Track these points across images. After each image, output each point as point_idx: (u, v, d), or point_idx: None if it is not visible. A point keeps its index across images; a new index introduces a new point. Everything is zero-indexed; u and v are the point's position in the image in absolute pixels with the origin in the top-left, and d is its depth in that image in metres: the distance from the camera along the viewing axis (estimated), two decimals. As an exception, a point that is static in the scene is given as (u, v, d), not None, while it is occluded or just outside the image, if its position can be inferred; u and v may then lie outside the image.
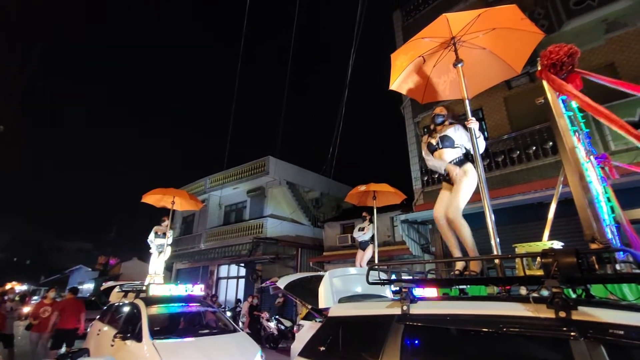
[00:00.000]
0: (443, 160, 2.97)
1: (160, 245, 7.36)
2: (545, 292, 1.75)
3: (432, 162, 3.09)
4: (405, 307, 1.96)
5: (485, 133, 8.17)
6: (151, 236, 7.50)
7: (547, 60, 2.15)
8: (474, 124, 2.69)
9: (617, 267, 1.69)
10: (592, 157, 2.32)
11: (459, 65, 2.77)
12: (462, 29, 2.72)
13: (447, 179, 2.98)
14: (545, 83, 2.17)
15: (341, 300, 2.72)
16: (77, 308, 7.05)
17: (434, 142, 3.06)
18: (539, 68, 2.28)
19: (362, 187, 6.42)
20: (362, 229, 7.05)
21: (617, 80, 2.08)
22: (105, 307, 6.82)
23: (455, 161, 2.91)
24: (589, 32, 6.95)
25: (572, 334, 1.36)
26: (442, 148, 2.99)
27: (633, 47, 6.62)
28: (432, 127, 3.19)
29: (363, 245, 6.99)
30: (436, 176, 8.25)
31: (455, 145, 2.95)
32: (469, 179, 2.78)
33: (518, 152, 7.19)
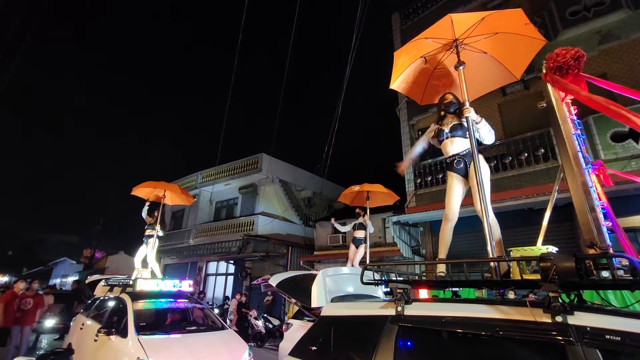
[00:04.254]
0: (452, 149, 2.83)
1: (150, 236, 7.23)
2: (532, 297, 1.75)
3: (448, 147, 2.89)
4: (399, 308, 1.94)
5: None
6: (144, 212, 7.28)
7: (553, 63, 2.14)
8: (470, 113, 2.59)
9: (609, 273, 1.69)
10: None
11: (461, 67, 2.73)
12: (465, 32, 2.69)
13: (458, 169, 2.79)
14: (549, 86, 2.16)
15: (333, 300, 2.69)
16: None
17: (446, 129, 2.91)
18: (544, 71, 2.27)
19: (356, 187, 6.39)
20: (362, 226, 6.93)
21: (622, 87, 2.09)
22: (89, 301, 6.68)
23: (468, 151, 2.73)
24: (584, 43, 7.06)
25: (568, 338, 1.36)
26: (452, 137, 2.85)
27: (625, 59, 6.76)
28: (442, 113, 3.05)
29: (357, 243, 6.94)
30: (429, 179, 8.28)
31: (467, 136, 2.79)
32: (488, 171, 2.68)
33: (510, 158, 7.27)
